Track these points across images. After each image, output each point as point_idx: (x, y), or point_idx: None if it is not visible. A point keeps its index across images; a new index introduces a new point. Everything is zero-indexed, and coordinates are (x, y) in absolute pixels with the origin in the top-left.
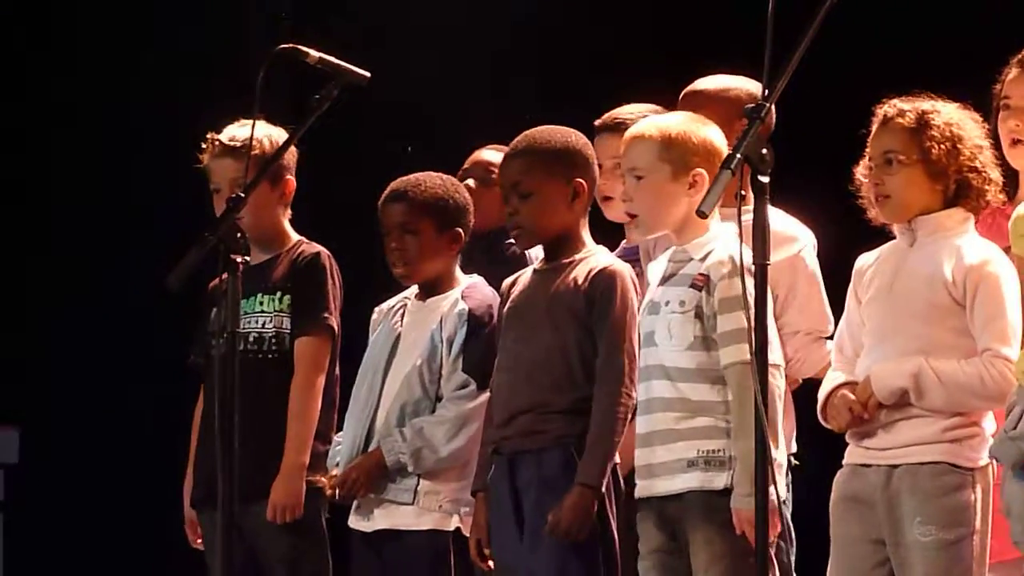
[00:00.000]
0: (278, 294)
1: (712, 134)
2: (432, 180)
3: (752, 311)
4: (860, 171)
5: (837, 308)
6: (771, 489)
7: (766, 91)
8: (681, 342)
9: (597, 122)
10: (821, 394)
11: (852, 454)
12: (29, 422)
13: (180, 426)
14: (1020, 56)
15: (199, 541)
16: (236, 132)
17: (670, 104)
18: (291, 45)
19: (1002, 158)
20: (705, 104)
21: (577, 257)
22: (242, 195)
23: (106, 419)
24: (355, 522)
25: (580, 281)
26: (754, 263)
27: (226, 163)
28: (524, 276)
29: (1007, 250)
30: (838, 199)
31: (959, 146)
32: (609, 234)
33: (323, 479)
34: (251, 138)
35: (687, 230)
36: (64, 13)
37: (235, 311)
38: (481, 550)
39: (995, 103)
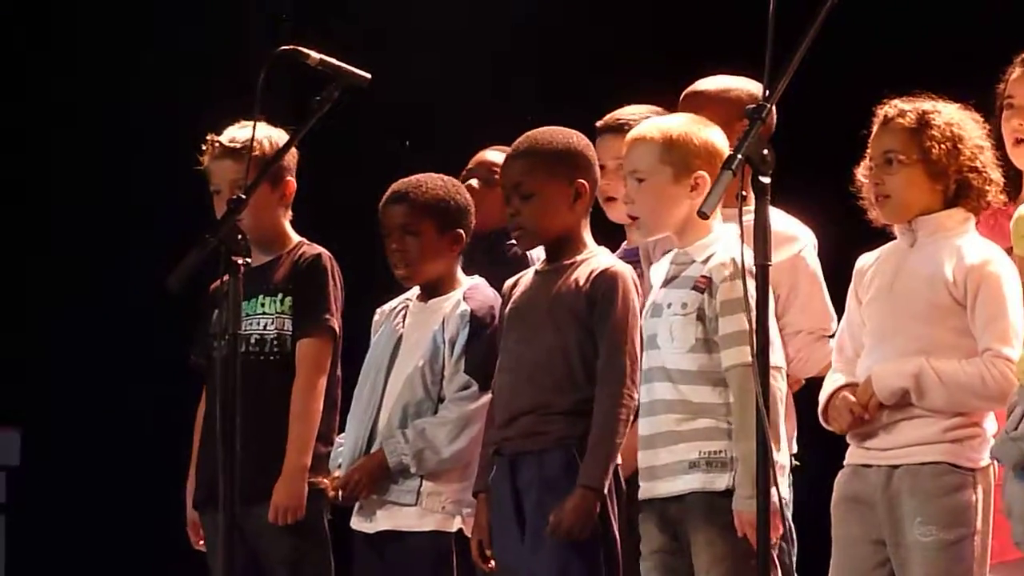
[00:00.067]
0: (279, 296)
1: (714, 136)
2: (433, 181)
3: (753, 313)
4: (861, 172)
5: (838, 309)
6: (772, 490)
7: (767, 92)
8: (683, 344)
9: (599, 123)
10: (822, 396)
11: (853, 455)
12: (30, 424)
13: (181, 427)
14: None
15: (201, 543)
16: (236, 133)
17: (671, 105)
18: (292, 46)
19: (1005, 158)
20: (706, 105)
21: (579, 258)
22: (243, 196)
23: (107, 420)
24: (357, 523)
25: (582, 282)
26: (755, 264)
27: (226, 164)
28: (526, 277)
29: (1009, 251)
30: (839, 200)
31: (959, 146)
32: (610, 235)
33: (325, 480)
34: (252, 139)
35: (689, 232)
36: (64, 13)
37: (236, 313)
38: (483, 551)
39: (998, 103)
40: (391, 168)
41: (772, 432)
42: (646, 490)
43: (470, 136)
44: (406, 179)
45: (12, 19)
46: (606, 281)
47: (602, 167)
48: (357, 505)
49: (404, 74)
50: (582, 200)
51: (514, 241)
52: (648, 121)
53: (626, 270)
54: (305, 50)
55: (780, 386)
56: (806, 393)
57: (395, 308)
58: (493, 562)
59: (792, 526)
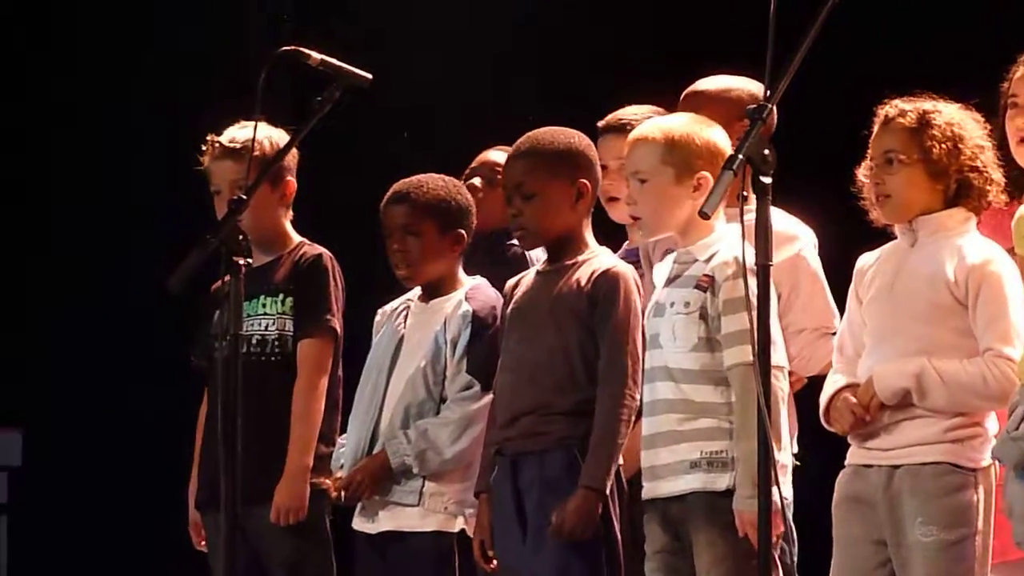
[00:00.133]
0: (280, 296)
1: (716, 136)
2: (434, 181)
3: (755, 313)
4: (862, 172)
5: (839, 308)
6: (773, 490)
7: (768, 91)
8: (685, 343)
9: (601, 123)
10: (823, 397)
11: (854, 455)
12: (31, 424)
13: (183, 428)
14: None
15: (203, 543)
16: (236, 134)
17: (671, 105)
18: (293, 47)
19: (1008, 157)
20: (706, 105)
21: (580, 258)
22: (244, 197)
23: (108, 421)
24: (359, 524)
25: (583, 283)
26: (757, 264)
27: (226, 165)
28: (527, 277)
29: (1011, 251)
30: (840, 200)
31: (960, 146)
32: (611, 235)
33: (327, 481)
34: (253, 140)
35: (691, 232)
36: (64, 13)
37: (238, 314)
38: (484, 551)
39: (1002, 101)
40: (392, 168)
41: (773, 432)
42: (648, 490)
43: (470, 136)
44: (407, 179)
45: (12, 19)
46: (608, 281)
47: (604, 167)
48: (359, 506)
49: (405, 74)
50: (584, 200)
51: (514, 241)
52: (650, 121)
53: (628, 270)
54: (306, 50)
55: (782, 386)
56: (807, 393)
57: (396, 308)
58: (495, 562)
59: (793, 526)
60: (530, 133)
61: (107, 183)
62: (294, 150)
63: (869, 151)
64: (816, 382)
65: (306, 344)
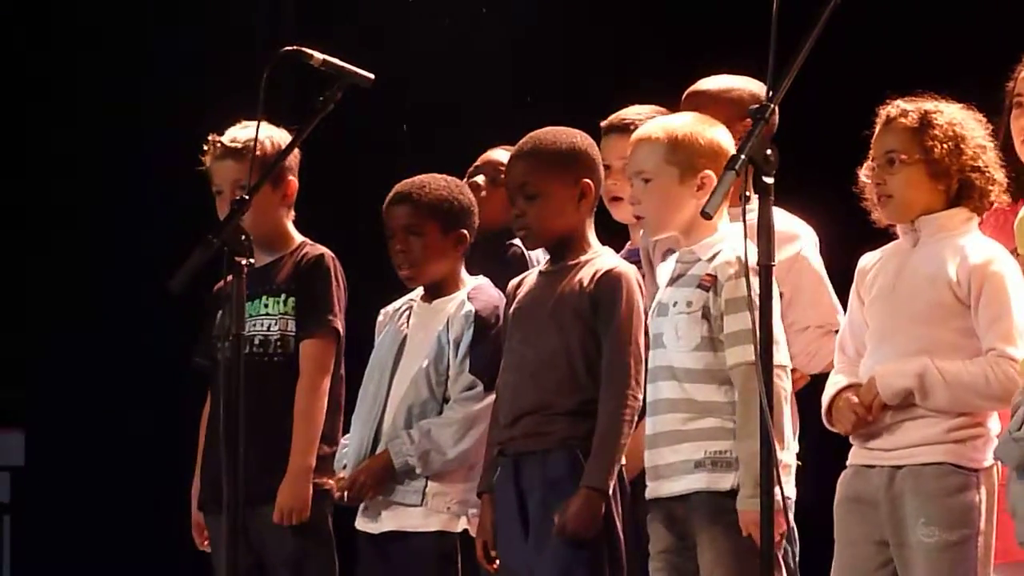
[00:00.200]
0: (282, 296)
1: (719, 135)
2: (436, 182)
3: (757, 312)
4: (864, 172)
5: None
6: (776, 490)
7: (770, 92)
8: (688, 343)
9: (604, 123)
10: (825, 398)
11: (856, 455)
12: (34, 424)
13: (185, 428)
14: None
15: (206, 544)
16: (237, 134)
17: (672, 104)
18: (296, 47)
19: (1012, 157)
20: (708, 104)
21: (583, 258)
22: (246, 197)
23: (110, 421)
24: (362, 524)
25: (586, 283)
26: (759, 264)
27: (228, 165)
28: (530, 277)
29: (1014, 251)
30: (841, 200)
31: (961, 146)
32: (614, 235)
33: (330, 481)
34: (255, 140)
35: (695, 231)
36: (64, 13)
37: (240, 314)
38: (487, 552)
39: (1007, 101)
40: (394, 168)
41: (776, 431)
42: (652, 490)
43: (471, 136)
44: (410, 180)
45: (12, 19)
46: (610, 281)
47: (607, 167)
48: (362, 506)
49: (405, 74)
50: (586, 200)
51: (515, 241)
52: (653, 121)
53: (630, 270)
54: (309, 50)
55: (784, 385)
56: (809, 393)
57: (399, 309)
58: (497, 562)
59: (795, 526)
60: (533, 133)
61: (108, 182)
62: (296, 150)
63: (871, 151)
64: (818, 381)
65: (308, 344)
